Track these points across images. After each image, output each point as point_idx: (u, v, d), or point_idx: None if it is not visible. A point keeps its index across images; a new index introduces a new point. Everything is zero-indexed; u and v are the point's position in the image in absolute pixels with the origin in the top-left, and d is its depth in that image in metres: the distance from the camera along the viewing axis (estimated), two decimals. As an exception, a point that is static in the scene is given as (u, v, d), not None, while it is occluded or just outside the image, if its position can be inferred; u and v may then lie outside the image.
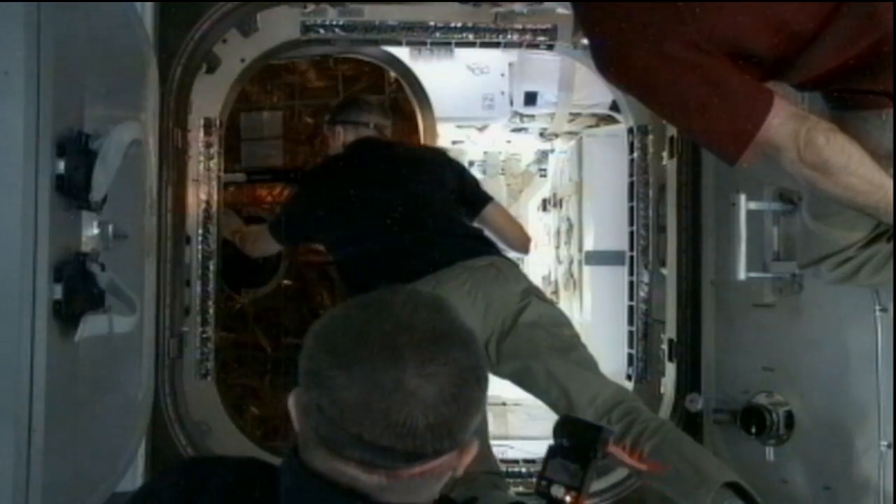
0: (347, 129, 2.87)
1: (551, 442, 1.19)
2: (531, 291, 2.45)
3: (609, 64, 1.54)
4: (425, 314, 0.89)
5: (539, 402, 2.44)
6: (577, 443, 1.12)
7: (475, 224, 2.84)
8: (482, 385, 0.90)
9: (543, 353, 2.29)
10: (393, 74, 3.77)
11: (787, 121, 1.46)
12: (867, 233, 1.73)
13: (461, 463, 0.93)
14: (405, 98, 3.91)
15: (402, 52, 3.92)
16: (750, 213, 2.20)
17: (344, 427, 0.84)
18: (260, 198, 4.04)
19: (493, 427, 4.12)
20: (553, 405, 2.29)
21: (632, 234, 3.52)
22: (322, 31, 3.14)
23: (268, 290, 4.04)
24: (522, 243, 3.10)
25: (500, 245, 2.90)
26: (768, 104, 1.45)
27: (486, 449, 2.30)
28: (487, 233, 2.85)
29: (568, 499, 1.10)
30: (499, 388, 2.98)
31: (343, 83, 3.93)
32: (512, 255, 2.94)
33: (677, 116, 1.65)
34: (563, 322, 2.44)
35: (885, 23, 1.42)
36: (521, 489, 3.15)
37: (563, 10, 3.04)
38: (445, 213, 2.66)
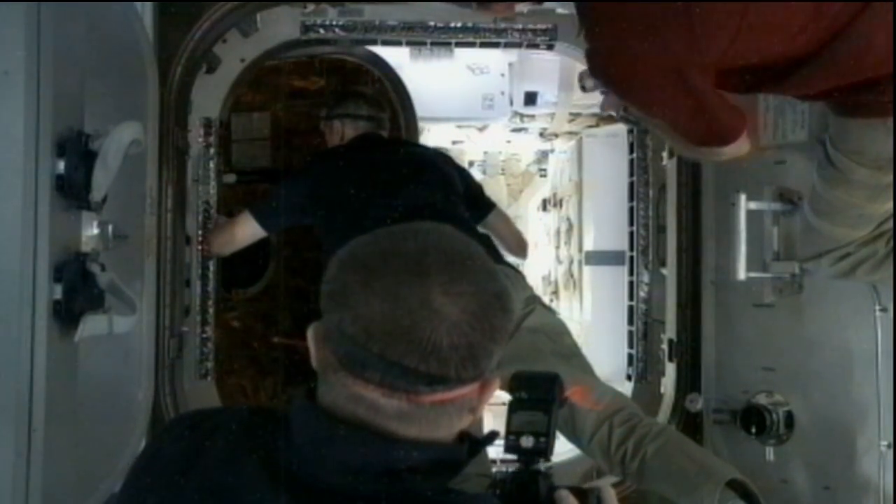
0: (345, 123, 2.86)
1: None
2: (535, 299, 2.46)
3: (607, 73, 1.56)
4: (452, 240, 0.89)
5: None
6: (535, 393, 1.14)
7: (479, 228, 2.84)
8: (508, 314, 0.88)
9: (546, 358, 2.29)
10: (377, 74, 3.76)
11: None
12: (868, 232, 1.73)
13: (482, 400, 0.90)
14: (388, 99, 3.90)
15: (402, 52, 3.93)
16: (750, 212, 2.20)
17: (366, 346, 0.82)
18: (250, 199, 4.02)
19: (492, 427, 4.13)
20: None
21: (632, 234, 3.53)
22: (322, 31, 3.14)
23: (257, 289, 4.03)
24: (523, 249, 3.17)
25: (501, 249, 2.91)
26: (739, 130, 1.66)
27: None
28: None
29: (539, 445, 1.11)
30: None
31: (327, 84, 3.91)
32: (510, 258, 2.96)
33: (660, 122, 1.76)
34: (565, 331, 2.45)
35: (878, 46, 1.43)
36: (521, 489, 3.15)
37: (563, 10, 3.04)
38: (454, 216, 2.66)
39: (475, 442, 0.95)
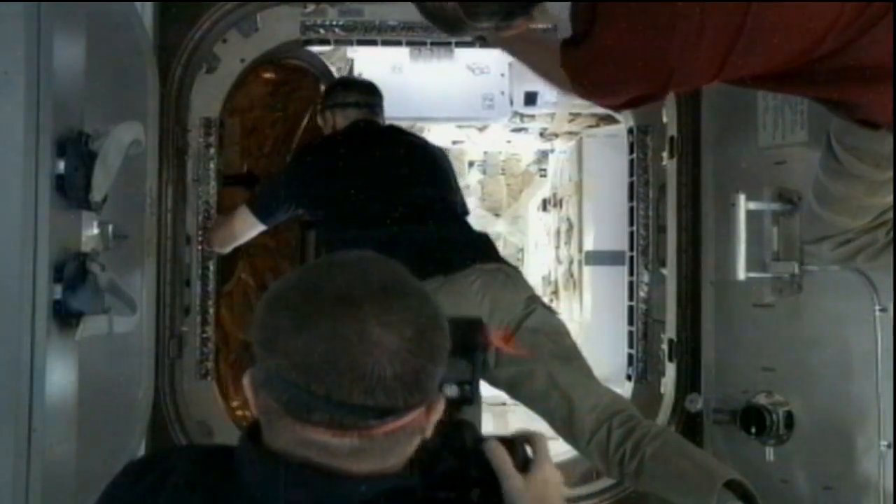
0: (336, 113, 2.86)
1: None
2: (536, 300, 2.45)
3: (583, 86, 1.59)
4: (378, 269, 0.88)
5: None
6: (458, 341, 1.12)
7: None
8: (444, 333, 0.89)
9: (545, 359, 2.29)
10: (316, 74, 3.76)
11: None
12: (869, 220, 1.74)
13: (429, 421, 0.90)
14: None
15: (402, 52, 3.92)
16: (750, 213, 2.20)
17: (309, 389, 0.81)
18: (226, 202, 4.01)
19: (492, 427, 4.14)
20: (550, 412, 2.27)
21: (632, 234, 3.52)
22: (322, 31, 3.13)
23: (229, 287, 4.03)
24: None
25: None
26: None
27: None
28: None
29: (464, 393, 1.09)
30: (499, 388, 2.97)
31: (286, 88, 3.89)
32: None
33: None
34: (565, 332, 2.44)
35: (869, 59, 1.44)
36: (521, 489, 3.14)
37: (564, 10, 3.03)
38: (449, 210, 2.66)
39: (424, 470, 0.94)
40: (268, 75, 3.64)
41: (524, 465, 1.05)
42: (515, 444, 1.05)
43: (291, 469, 0.85)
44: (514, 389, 2.37)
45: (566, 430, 2.25)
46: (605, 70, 1.53)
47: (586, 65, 1.54)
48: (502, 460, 1.01)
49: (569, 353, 2.36)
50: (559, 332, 2.41)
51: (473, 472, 0.98)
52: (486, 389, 2.43)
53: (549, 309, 2.52)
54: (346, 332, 0.81)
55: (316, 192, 2.64)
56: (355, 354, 0.80)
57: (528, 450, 1.07)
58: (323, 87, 3.62)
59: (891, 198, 1.70)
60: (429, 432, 0.91)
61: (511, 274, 2.49)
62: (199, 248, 2.97)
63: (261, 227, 2.85)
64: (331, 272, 0.86)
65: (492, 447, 1.02)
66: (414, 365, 0.83)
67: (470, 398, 1.12)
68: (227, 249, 2.98)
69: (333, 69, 3.78)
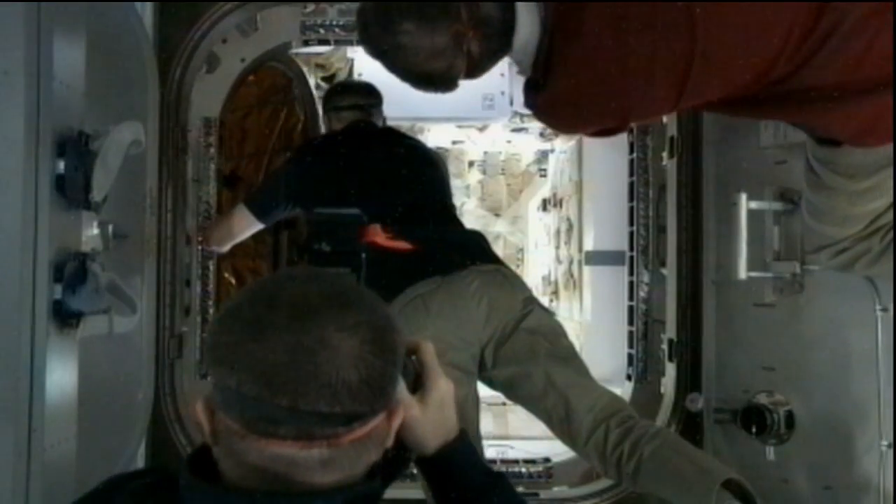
0: (331, 117, 2.88)
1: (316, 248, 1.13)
2: (533, 300, 2.45)
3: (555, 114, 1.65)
4: (329, 280, 0.87)
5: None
6: (339, 245, 1.07)
7: None
8: (400, 336, 0.88)
9: (543, 360, 2.28)
10: (290, 75, 3.76)
11: None
12: (859, 229, 1.74)
13: (392, 427, 0.89)
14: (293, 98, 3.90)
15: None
16: (750, 212, 2.20)
17: (274, 401, 0.79)
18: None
19: (492, 427, 4.14)
20: (548, 412, 2.27)
21: (632, 234, 3.52)
22: (322, 31, 3.14)
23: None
24: None
25: None
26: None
27: (478, 450, 2.30)
28: None
29: None
30: (499, 388, 2.98)
31: (265, 91, 3.90)
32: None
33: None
34: (562, 332, 2.44)
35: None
36: (521, 489, 3.15)
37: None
38: (443, 211, 2.66)
39: (389, 469, 0.93)
40: (248, 78, 3.65)
41: (415, 380, 1.04)
42: (403, 360, 1.03)
43: (250, 499, 0.83)
44: (512, 390, 2.37)
45: (564, 430, 2.25)
46: (566, 113, 1.60)
47: (547, 109, 1.60)
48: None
49: (566, 354, 2.36)
50: (556, 333, 2.41)
51: None
52: (484, 389, 2.45)
53: (546, 310, 2.52)
54: (306, 340, 0.80)
55: (312, 191, 2.64)
56: (318, 362, 0.79)
57: (415, 360, 1.06)
58: (297, 91, 3.64)
59: (876, 204, 1.70)
60: (391, 440, 0.90)
61: (508, 275, 2.49)
62: (199, 248, 2.97)
63: (258, 226, 2.85)
64: (284, 284, 0.86)
65: None
66: (377, 368, 0.82)
67: None
68: (226, 248, 2.98)
69: (308, 74, 3.81)
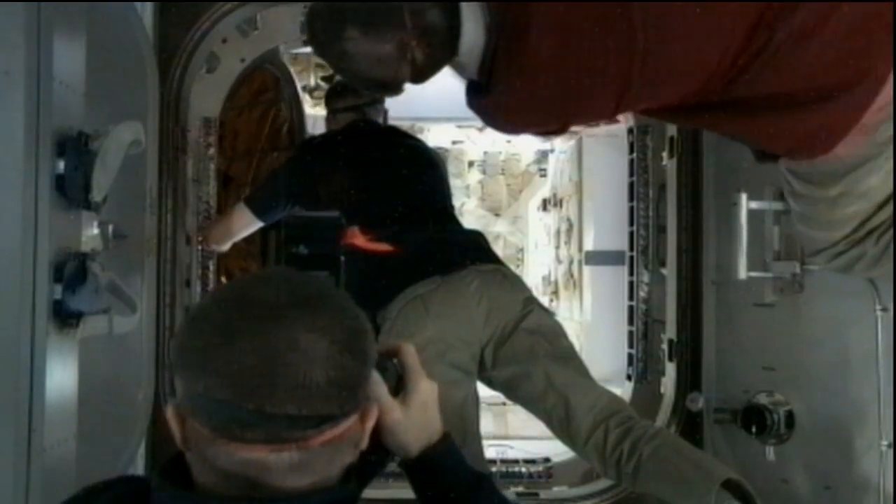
0: (329, 118, 2.88)
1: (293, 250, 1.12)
2: (533, 301, 2.45)
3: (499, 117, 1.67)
4: (299, 279, 0.86)
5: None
6: (316, 247, 1.05)
7: None
8: (370, 337, 0.87)
9: (543, 360, 2.28)
10: (276, 74, 3.76)
11: None
12: (847, 232, 1.74)
13: (365, 429, 0.88)
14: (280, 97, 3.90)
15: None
16: (751, 212, 2.20)
17: (242, 405, 0.78)
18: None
19: (492, 427, 4.14)
20: (547, 413, 2.27)
21: (632, 234, 3.52)
22: (322, 31, 3.13)
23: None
24: None
25: None
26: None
27: (477, 450, 2.30)
28: None
29: None
30: (499, 388, 2.98)
31: (255, 92, 3.90)
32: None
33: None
34: (562, 333, 2.44)
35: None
36: (521, 489, 3.15)
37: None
38: (443, 210, 2.66)
39: (364, 472, 0.92)
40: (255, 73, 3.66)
41: (397, 383, 1.03)
42: (384, 362, 1.02)
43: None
44: (512, 390, 2.37)
45: (563, 430, 2.25)
46: (508, 116, 1.64)
47: (491, 111, 1.63)
48: (375, 389, 0.98)
49: (566, 354, 2.36)
50: (556, 333, 2.41)
51: None
52: (484, 389, 2.45)
53: (545, 310, 2.52)
54: (275, 342, 0.79)
55: (312, 190, 2.64)
56: (287, 364, 0.78)
57: (397, 363, 1.05)
58: (285, 91, 3.66)
59: (854, 208, 1.70)
60: (365, 442, 0.89)
61: (508, 275, 2.49)
62: (199, 247, 2.97)
63: (258, 224, 2.85)
64: (253, 286, 0.85)
65: None
66: (347, 369, 0.82)
67: None
68: (225, 247, 2.98)
69: (293, 74, 3.82)
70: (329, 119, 2.90)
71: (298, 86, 3.94)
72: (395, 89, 1.63)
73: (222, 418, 0.80)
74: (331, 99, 2.91)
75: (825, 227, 1.79)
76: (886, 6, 1.44)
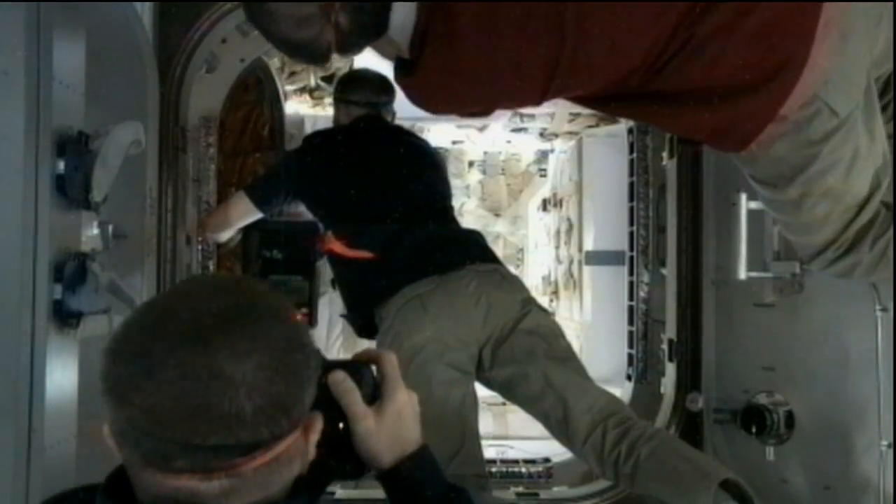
0: (340, 108, 2.82)
1: (265, 254, 1.09)
2: (531, 301, 2.45)
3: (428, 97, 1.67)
4: (225, 295, 0.82)
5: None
6: (290, 252, 1.01)
7: None
8: (305, 351, 0.83)
9: (541, 360, 2.28)
10: (261, 76, 3.77)
11: None
12: (830, 236, 1.74)
13: (309, 441, 0.85)
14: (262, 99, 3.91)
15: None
16: (750, 212, 2.20)
17: (166, 436, 0.75)
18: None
19: (492, 427, 4.14)
20: (545, 413, 2.27)
21: (632, 234, 3.53)
22: (322, 30, 3.13)
23: None
24: None
25: None
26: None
27: (476, 450, 2.30)
28: None
29: (299, 317, 0.95)
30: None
31: (243, 90, 3.90)
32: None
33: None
34: (560, 333, 2.44)
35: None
36: (521, 489, 3.15)
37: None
38: (443, 211, 2.66)
39: (314, 485, 0.88)
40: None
41: (374, 391, 1.00)
42: (361, 369, 1.00)
43: None
44: (510, 390, 2.36)
45: (561, 431, 2.25)
46: (434, 95, 1.64)
47: (417, 89, 1.64)
48: (349, 396, 0.96)
49: (564, 355, 2.36)
50: (555, 334, 2.41)
51: (321, 406, 0.89)
52: (484, 389, 2.45)
53: (544, 310, 2.52)
54: (196, 371, 0.75)
55: (313, 184, 2.63)
56: (209, 394, 0.75)
57: (375, 376, 1.02)
58: (266, 91, 3.66)
59: (820, 210, 1.71)
60: (312, 452, 0.86)
61: (507, 275, 2.49)
62: (199, 247, 2.96)
63: (257, 214, 2.80)
64: (174, 306, 0.80)
65: (337, 381, 0.96)
66: (275, 393, 0.78)
67: (309, 324, 1.04)
68: (222, 237, 2.95)
69: (275, 75, 3.82)
70: (339, 109, 2.83)
71: (280, 86, 3.94)
72: (321, 57, 1.61)
73: (149, 449, 0.77)
74: (346, 89, 2.84)
75: (802, 231, 1.81)
76: (801, 4, 1.51)
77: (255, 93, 3.70)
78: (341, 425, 0.97)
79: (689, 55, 1.52)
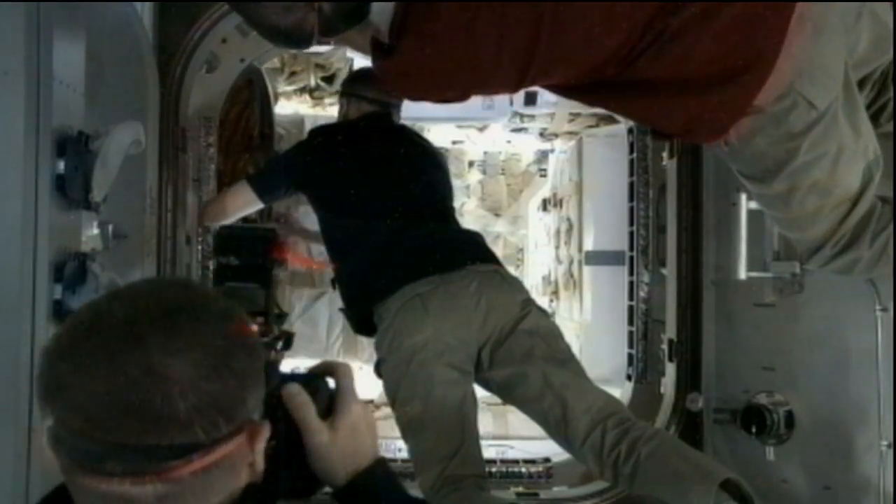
0: (351, 102, 2.80)
1: (222, 259, 1.05)
2: (531, 302, 2.45)
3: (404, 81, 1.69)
4: (166, 293, 0.79)
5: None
6: (248, 258, 0.98)
7: None
8: (249, 351, 0.79)
9: (540, 361, 2.28)
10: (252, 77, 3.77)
11: None
12: (824, 231, 1.74)
13: (255, 449, 0.81)
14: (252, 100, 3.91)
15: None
16: (750, 212, 2.20)
17: (98, 437, 0.72)
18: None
19: (492, 427, 4.13)
20: (544, 413, 2.27)
21: (632, 234, 3.53)
22: (322, 30, 3.13)
23: None
24: None
25: None
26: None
27: (475, 450, 2.30)
28: None
29: (255, 327, 0.91)
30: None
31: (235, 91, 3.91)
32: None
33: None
34: (559, 335, 2.44)
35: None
36: (521, 489, 3.15)
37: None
38: (444, 211, 2.66)
39: (265, 492, 0.85)
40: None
41: (329, 403, 0.97)
42: (317, 382, 0.97)
43: None
44: (508, 391, 2.36)
45: (560, 431, 2.25)
46: (410, 80, 1.66)
47: (394, 74, 1.65)
48: (303, 411, 0.93)
49: (563, 356, 2.36)
50: (554, 335, 2.41)
51: (276, 420, 0.87)
52: (483, 390, 2.45)
53: (543, 312, 2.52)
54: (128, 369, 0.72)
55: (315, 177, 2.62)
56: (142, 392, 0.72)
57: (332, 391, 0.99)
58: (256, 91, 3.65)
59: (810, 205, 1.71)
60: (259, 462, 0.82)
61: (506, 276, 2.49)
62: (199, 247, 2.97)
63: (258, 205, 2.78)
64: (111, 306, 0.77)
65: (292, 394, 0.93)
66: (212, 393, 0.74)
67: (265, 333, 1.02)
68: (219, 225, 2.94)
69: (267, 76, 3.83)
70: (350, 104, 2.80)
71: (270, 87, 3.94)
72: (303, 42, 1.61)
73: (81, 451, 0.74)
74: (359, 84, 2.82)
75: (795, 226, 1.81)
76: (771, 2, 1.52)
77: (246, 93, 3.70)
78: (296, 440, 0.94)
79: (663, 46, 1.54)
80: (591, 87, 1.68)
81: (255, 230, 1.09)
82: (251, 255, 0.98)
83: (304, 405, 0.93)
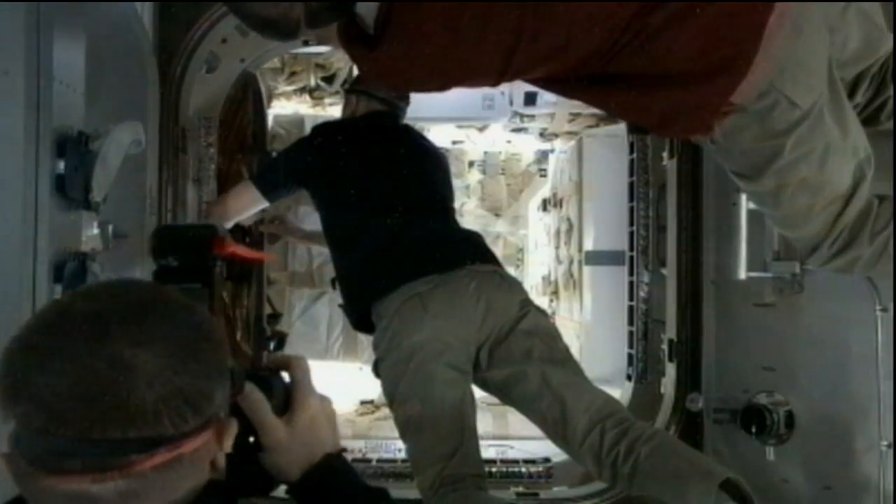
0: (360, 99, 2.80)
1: (163, 262, 1.04)
2: (530, 303, 2.46)
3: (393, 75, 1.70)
4: (133, 289, 0.79)
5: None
6: (188, 258, 0.97)
7: None
8: (214, 345, 0.78)
9: (539, 361, 2.28)
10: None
11: None
12: (819, 228, 1.75)
13: (221, 446, 0.80)
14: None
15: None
16: (750, 212, 2.20)
17: (60, 433, 0.70)
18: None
19: (492, 427, 4.14)
20: (542, 413, 2.27)
21: (632, 234, 3.53)
22: (322, 31, 3.13)
23: None
24: None
25: None
26: None
27: (474, 450, 2.30)
28: None
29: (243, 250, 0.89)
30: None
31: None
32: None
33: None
34: (557, 335, 2.44)
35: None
36: (521, 489, 3.15)
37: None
38: (445, 210, 2.66)
39: (232, 488, 0.85)
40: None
41: (286, 399, 0.96)
42: (271, 379, 0.96)
43: None
44: (506, 391, 2.36)
45: (558, 431, 2.24)
46: (392, 72, 1.67)
47: (376, 66, 1.66)
48: (258, 410, 0.92)
49: (562, 356, 2.36)
50: (552, 336, 2.41)
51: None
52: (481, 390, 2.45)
53: (542, 312, 2.52)
54: (93, 360, 0.71)
55: (318, 174, 2.61)
56: (107, 384, 0.70)
57: (286, 386, 0.97)
58: (249, 91, 3.65)
59: (801, 202, 1.71)
60: (222, 459, 0.81)
61: (506, 276, 2.49)
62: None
63: (263, 204, 2.77)
64: (74, 300, 0.77)
65: (245, 393, 0.92)
66: (180, 384, 0.73)
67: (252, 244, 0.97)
68: (226, 226, 2.92)
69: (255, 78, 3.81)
70: (358, 100, 2.79)
71: (263, 87, 3.94)
72: (290, 33, 1.60)
73: (40, 449, 0.72)
74: (364, 80, 2.81)
75: (788, 224, 1.82)
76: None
77: (240, 94, 3.70)
78: (251, 439, 0.93)
79: (644, 43, 1.55)
80: (571, 81, 1.69)
81: (193, 228, 1.07)
82: (191, 255, 0.95)
83: (258, 403, 0.93)
